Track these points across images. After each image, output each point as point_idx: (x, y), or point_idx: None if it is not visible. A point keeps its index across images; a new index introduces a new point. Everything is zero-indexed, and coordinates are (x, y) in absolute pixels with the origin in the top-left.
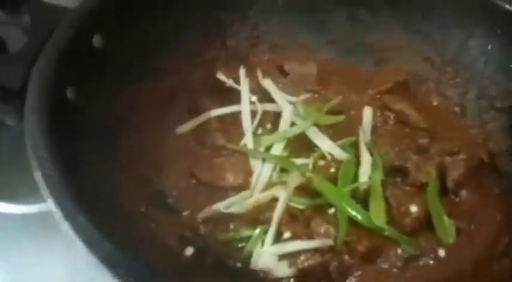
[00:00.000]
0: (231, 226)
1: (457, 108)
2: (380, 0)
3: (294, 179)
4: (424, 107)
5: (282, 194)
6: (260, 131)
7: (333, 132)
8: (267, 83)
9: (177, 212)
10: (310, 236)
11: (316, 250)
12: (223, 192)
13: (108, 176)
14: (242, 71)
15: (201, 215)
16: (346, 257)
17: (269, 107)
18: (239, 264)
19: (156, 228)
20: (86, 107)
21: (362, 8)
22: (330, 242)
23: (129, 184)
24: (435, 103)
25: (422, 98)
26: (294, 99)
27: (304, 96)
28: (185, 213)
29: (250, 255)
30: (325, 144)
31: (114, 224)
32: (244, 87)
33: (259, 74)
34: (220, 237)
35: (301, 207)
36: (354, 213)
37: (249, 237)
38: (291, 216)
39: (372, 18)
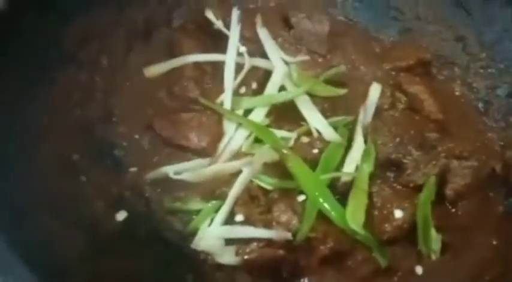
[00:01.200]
0: (182, 194)
1: (480, 104)
2: None
3: (265, 154)
4: (443, 96)
5: (247, 169)
6: (243, 89)
7: (329, 107)
8: (263, 34)
9: (121, 166)
10: (267, 223)
11: (270, 241)
12: (184, 153)
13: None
14: (235, 13)
15: (151, 175)
16: (305, 256)
17: (259, 62)
18: (179, 241)
19: (86, 184)
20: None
21: None
22: (288, 235)
23: (60, 125)
24: (457, 93)
25: (443, 85)
26: (291, 59)
27: (303, 57)
28: (132, 169)
29: (195, 233)
30: (315, 118)
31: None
32: (234, 32)
33: (258, 20)
34: (168, 204)
35: (268, 187)
36: (326, 207)
37: (198, 211)
38: (251, 196)
39: None
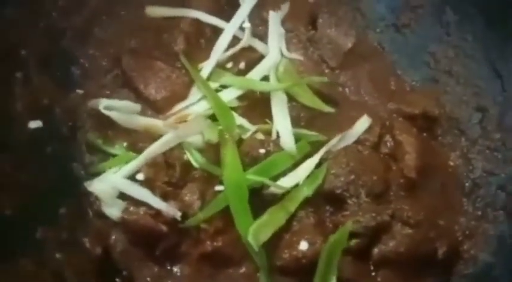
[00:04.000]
0: (109, 133)
1: (468, 183)
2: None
3: (197, 125)
4: (433, 159)
5: (171, 134)
6: (230, 65)
7: (306, 118)
8: (273, 18)
9: (69, 83)
10: (167, 196)
11: (159, 213)
12: (136, 99)
13: None
14: None
15: (91, 103)
16: (188, 244)
17: (256, 43)
18: (81, 173)
19: (19, 81)
20: None
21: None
22: (177, 214)
23: (25, 20)
24: (450, 163)
25: (441, 148)
26: (287, 53)
27: (297, 56)
28: (79, 91)
29: (98, 175)
30: (281, 120)
31: None
32: (246, 5)
33: (284, 6)
34: (90, 137)
35: (194, 164)
36: (236, 209)
37: (113, 156)
38: (168, 163)
39: (459, 22)
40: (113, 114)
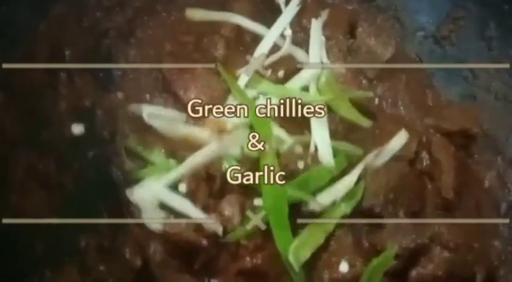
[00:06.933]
0: (148, 139)
1: (504, 205)
2: None
3: (241, 138)
4: (469, 178)
5: (215, 143)
6: (268, 72)
7: (344, 130)
8: (315, 26)
9: (110, 85)
10: (207, 208)
11: (200, 226)
12: (175, 104)
13: None
14: None
15: (134, 108)
16: (226, 259)
17: (297, 53)
18: (120, 180)
19: (63, 80)
20: None
21: None
22: (218, 229)
23: (72, 17)
24: (486, 182)
25: (477, 167)
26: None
27: (340, 69)
28: (119, 94)
29: (138, 182)
30: (319, 133)
31: None
32: (288, 12)
33: (323, 13)
34: (130, 143)
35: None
36: (276, 225)
37: (153, 164)
38: (208, 174)
39: (502, 36)
40: (155, 123)
